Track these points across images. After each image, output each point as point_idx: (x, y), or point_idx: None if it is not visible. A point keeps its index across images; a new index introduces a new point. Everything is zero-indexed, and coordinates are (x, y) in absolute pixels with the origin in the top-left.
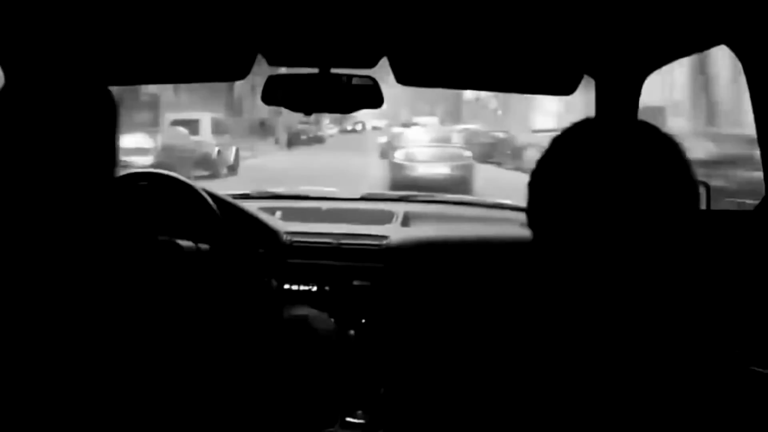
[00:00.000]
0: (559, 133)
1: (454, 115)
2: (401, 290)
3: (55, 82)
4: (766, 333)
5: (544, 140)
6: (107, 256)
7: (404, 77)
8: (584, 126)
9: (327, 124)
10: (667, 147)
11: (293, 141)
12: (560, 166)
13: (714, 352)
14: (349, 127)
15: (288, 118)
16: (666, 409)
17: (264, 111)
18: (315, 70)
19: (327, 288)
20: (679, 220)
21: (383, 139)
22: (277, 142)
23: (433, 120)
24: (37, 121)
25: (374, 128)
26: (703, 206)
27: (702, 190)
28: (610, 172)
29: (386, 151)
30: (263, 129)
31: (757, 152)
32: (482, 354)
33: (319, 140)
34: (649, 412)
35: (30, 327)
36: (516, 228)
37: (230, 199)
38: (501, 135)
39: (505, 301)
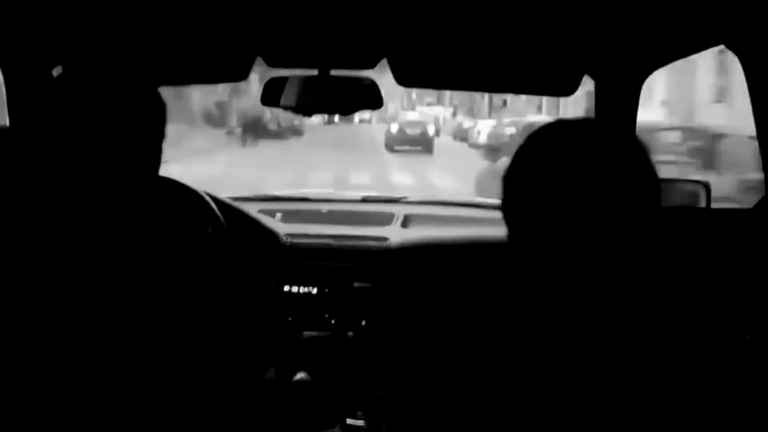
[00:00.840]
0: (533, 131)
1: (466, 106)
2: (402, 292)
3: (97, 81)
4: (764, 329)
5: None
6: (153, 251)
7: (404, 78)
8: (557, 125)
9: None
10: (632, 146)
11: (253, 131)
12: (532, 163)
13: (700, 342)
14: (337, 119)
15: (249, 101)
16: (651, 400)
17: (221, 93)
18: (314, 72)
19: (327, 290)
20: (641, 215)
21: (394, 127)
22: (230, 132)
23: (439, 111)
24: (85, 118)
25: (361, 121)
26: (702, 204)
27: (702, 190)
28: (578, 168)
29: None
30: (219, 114)
31: None
32: (482, 356)
33: (295, 132)
34: (633, 405)
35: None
36: None
37: (230, 202)
38: None
39: (504, 304)
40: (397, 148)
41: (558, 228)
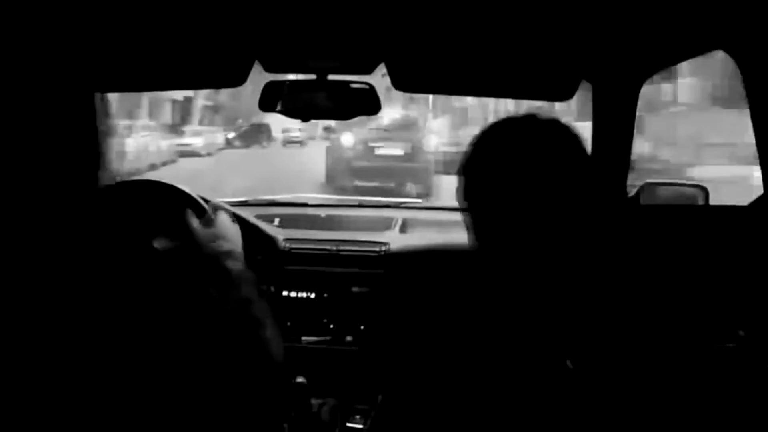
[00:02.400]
0: (485, 126)
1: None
2: (401, 297)
3: (38, 85)
4: (762, 325)
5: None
6: (87, 261)
7: (402, 83)
8: (505, 120)
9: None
10: (573, 140)
11: None
12: (482, 154)
13: (685, 337)
14: (231, 134)
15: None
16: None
17: None
18: (312, 77)
19: (326, 295)
20: (579, 199)
21: (348, 139)
22: None
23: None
24: (14, 123)
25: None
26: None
27: (700, 194)
28: (520, 157)
29: None
30: None
31: None
32: (481, 360)
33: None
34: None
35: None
36: None
37: (228, 207)
38: None
39: (504, 308)
40: (358, 184)
41: (506, 213)
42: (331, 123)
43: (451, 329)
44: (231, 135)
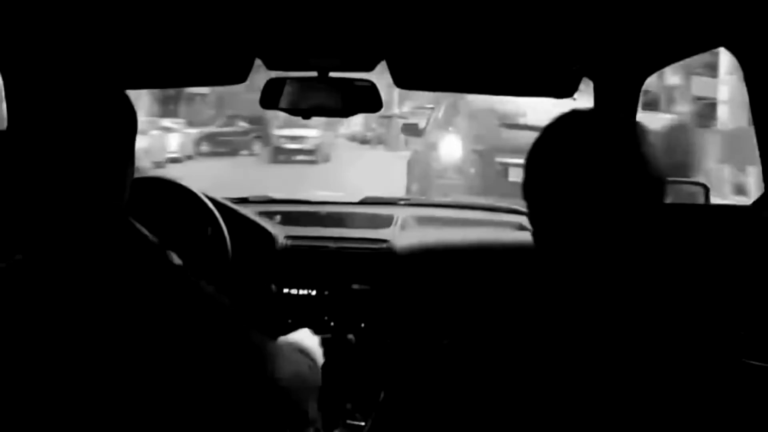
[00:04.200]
0: (552, 121)
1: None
2: (403, 294)
3: (65, 85)
4: (764, 326)
5: None
6: (120, 264)
7: (403, 81)
8: (575, 116)
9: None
10: (639, 139)
11: None
12: (547, 150)
13: (709, 344)
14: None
15: None
16: (669, 404)
17: None
18: (314, 74)
19: (327, 292)
20: (647, 206)
21: None
22: None
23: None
24: (51, 124)
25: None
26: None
27: (701, 191)
28: (587, 157)
29: None
30: None
31: None
32: (483, 359)
33: None
34: (654, 409)
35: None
36: (513, 231)
37: (229, 203)
38: None
39: (507, 306)
40: None
41: (569, 215)
42: (413, 120)
43: (455, 325)
44: (206, 132)
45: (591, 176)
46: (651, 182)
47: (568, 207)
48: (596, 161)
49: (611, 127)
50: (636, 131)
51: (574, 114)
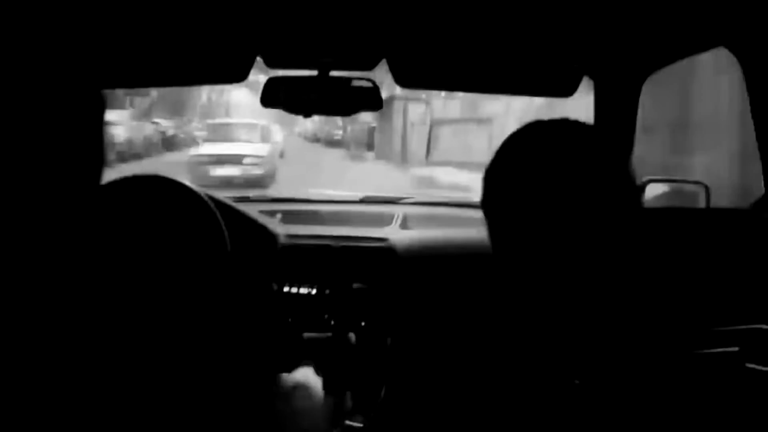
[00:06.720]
0: (513, 131)
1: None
2: (403, 292)
3: (43, 81)
4: (763, 327)
5: None
6: (85, 258)
7: (403, 79)
8: (535, 125)
9: None
10: (607, 147)
11: None
12: (510, 162)
13: (692, 344)
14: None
15: None
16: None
17: None
18: (314, 73)
19: (327, 291)
20: (617, 214)
21: None
22: None
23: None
24: (19, 120)
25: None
26: (702, 205)
27: (702, 191)
28: (553, 167)
29: None
30: None
31: None
32: (483, 357)
33: None
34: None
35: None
36: None
37: (230, 202)
38: None
39: (506, 306)
40: None
41: (535, 228)
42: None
43: (456, 325)
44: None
45: (553, 187)
46: (618, 190)
47: (530, 219)
48: (558, 171)
49: (572, 136)
50: (598, 139)
51: (534, 125)
